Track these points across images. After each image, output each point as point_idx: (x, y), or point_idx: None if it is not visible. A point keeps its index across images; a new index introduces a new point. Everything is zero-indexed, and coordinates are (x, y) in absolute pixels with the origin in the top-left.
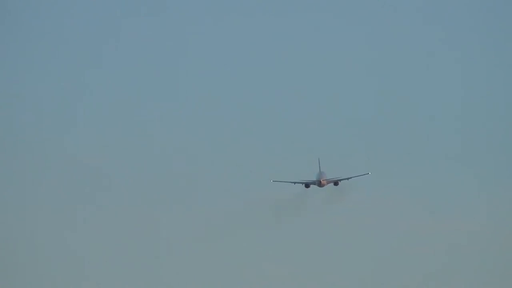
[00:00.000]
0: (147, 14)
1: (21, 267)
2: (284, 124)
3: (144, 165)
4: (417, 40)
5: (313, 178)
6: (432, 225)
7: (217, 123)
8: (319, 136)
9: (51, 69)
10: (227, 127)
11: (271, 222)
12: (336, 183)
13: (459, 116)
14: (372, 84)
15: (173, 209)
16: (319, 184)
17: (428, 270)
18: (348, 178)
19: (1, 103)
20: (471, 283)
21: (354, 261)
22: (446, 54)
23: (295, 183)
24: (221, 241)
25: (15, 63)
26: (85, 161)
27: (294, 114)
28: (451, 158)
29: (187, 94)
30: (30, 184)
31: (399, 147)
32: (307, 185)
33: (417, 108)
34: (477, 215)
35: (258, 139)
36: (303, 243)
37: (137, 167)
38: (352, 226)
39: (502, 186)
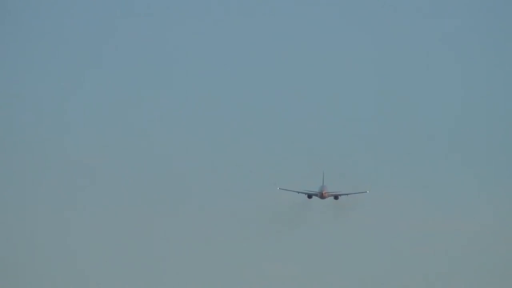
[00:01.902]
0: (146, 14)
1: (20, 267)
2: (289, 131)
3: (145, 169)
4: (417, 40)
5: (316, 189)
6: (436, 228)
7: (219, 126)
8: (324, 147)
9: (49, 69)
10: (231, 131)
11: (273, 227)
12: (336, 197)
13: (461, 117)
14: (373, 85)
15: (174, 213)
16: (321, 196)
17: (432, 275)
18: (347, 194)
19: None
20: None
21: (356, 266)
22: (447, 54)
23: (299, 192)
24: (223, 245)
25: (14, 63)
26: (84, 161)
27: (299, 120)
28: (454, 159)
29: (192, 98)
30: (29, 184)
31: (401, 149)
32: (309, 196)
33: (419, 109)
34: (480, 217)
35: (264, 145)
36: (305, 247)
37: (139, 172)
38: (353, 228)
39: (504, 187)
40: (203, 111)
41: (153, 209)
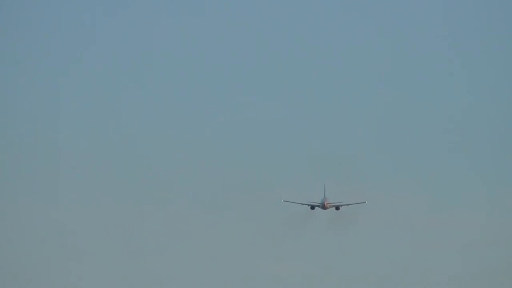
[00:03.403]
0: (145, 13)
1: (17, 267)
2: (292, 143)
3: (149, 177)
4: (421, 43)
5: (318, 201)
6: (436, 234)
7: (222, 136)
8: (325, 158)
9: (43, 66)
10: (236, 143)
11: (279, 235)
12: (337, 208)
13: (465, 124)
14: (375, 92)
15: (176, 222)
16: (323, 207)
17: (432, 279)
18: (348, 204)
19: None
20: None
21: (358, 272)
22: (447, 54)
23: (302, 204)
24: (229, 254)
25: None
26: (87, 161)
27: (300, 127)
28: (457, 166)
29: (190, 108)
30: (25, 183)
31: (401, 158)
32: (312, 207)
33: (420, 116)
34: (484, 224)
35: (267, 158)
36: (308, 253)
37: (142, 180)
38: (354, 236)
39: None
40: (204, 120)
41: (155, 219)
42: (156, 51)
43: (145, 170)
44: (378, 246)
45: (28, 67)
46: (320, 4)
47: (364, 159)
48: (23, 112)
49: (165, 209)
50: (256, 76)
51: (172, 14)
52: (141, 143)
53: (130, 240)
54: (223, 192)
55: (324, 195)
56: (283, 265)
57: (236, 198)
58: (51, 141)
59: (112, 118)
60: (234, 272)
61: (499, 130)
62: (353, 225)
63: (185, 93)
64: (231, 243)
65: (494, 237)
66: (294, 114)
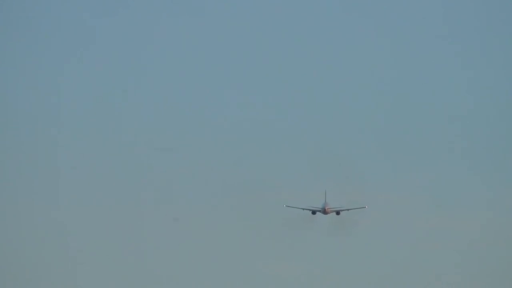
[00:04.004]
0: (145, 13)
1: (17, 267)
2: (295, 148)
3: (149, 177)
4: (418, 42)
5: (319, 206)
6: (435, 237)
7: (226, 142)
8: (326, 159)
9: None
10: (240, 146)
11: (282, 238)
12: (338, 213)
13: (467, 128)
14: (375, 95)
15: (179, 226)
16: (324, 212)
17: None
18: (348, 209)
19: None
20: None
21: (359, 275)
22: (447, 54)
23: (304, 209)
24: (232, 259)
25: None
26: (89, 162)
27: (300, 130)
28: (458, 170)
29: (191, 112)
30: (22, 183)
31: (401, 164)
32: (313, 212)
33: (421, 119)
34: (484, 227)
35: (269, 164)
36: (311, 256)
37: (142, 180)
38: (354, 239)
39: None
40: (204, 120)
41: (156, 220)
42: (156, 51)
43: (145, 170)
44: (377, 249)
45: (28, 67)
46: (320, 4)
47: (364, 159)
48: (23, 112)
49: (167, 210)
50: (256, 76)
51: (172, 14)
52: (141, 143)
53: (129, 241)
54: (224, 195)
55: (325, 201)
56: (284, 268)
57: (238, 201)
58: (51, 141)
59: (112, 118)
60: (235, 277)
61: (499, 130)
62: (353, 228)
63: (185, 93)
64: (233, 246)
65: (494, 237)
66: (294, 114)
